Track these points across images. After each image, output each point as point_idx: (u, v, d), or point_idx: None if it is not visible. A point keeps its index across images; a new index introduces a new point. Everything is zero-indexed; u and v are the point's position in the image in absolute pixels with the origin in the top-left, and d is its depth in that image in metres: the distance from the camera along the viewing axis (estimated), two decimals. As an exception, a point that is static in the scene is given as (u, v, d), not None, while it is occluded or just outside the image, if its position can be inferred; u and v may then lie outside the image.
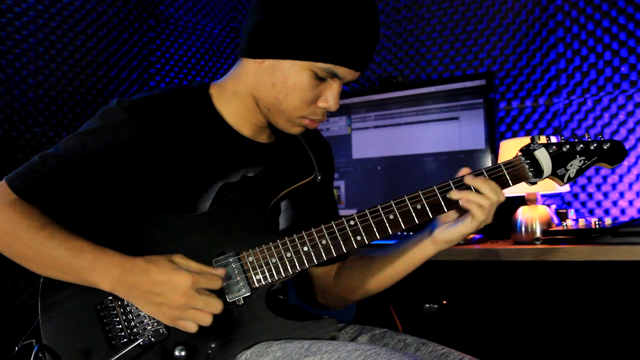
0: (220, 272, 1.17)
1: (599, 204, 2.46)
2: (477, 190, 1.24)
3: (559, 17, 2.57)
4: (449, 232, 1.30)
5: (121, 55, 2.97)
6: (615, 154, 1.34)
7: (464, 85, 2.56)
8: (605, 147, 1.34)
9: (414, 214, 1.25)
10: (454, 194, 1.25)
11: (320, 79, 1.24)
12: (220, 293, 1.19)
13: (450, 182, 1.26)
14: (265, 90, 1.26)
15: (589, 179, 2.48)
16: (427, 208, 1.25)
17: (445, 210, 1.27)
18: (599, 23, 2.48)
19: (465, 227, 1.26)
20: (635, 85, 2.40)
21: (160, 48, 3.17)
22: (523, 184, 1.33)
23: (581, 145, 1.33)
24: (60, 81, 2.71)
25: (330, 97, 1.26)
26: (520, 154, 1.32)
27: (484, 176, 1.27)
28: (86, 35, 2.81)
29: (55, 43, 2.70)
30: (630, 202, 2.39)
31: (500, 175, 1.28)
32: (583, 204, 2.50)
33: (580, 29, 2.52)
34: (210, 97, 1.34)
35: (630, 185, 2.39)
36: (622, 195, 2.41)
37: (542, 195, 2.37)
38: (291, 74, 1.23)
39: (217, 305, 1.14)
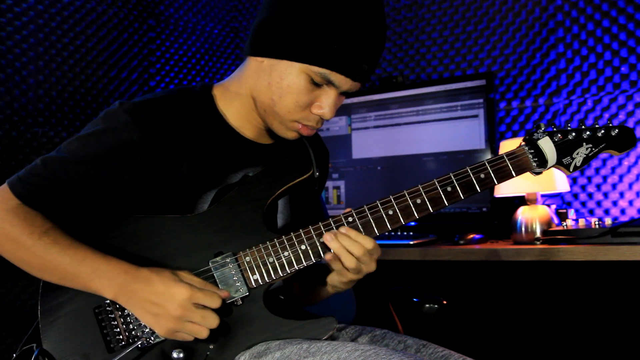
0: (224, 293, 1.16)
1: (599, 204, 2.46)
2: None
3: (559, 17, 2.57)
4: (331, 277, 1.30)
5: (121, 55, 2.97)
6: (624, 140, 1.30)
7: (464, 85, 2.55)
8: (613, 134, 1.29)
9: (413, 208, 1.23)
10: (326, 238, 1.20)
11: (316, 85, 1.22)
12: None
13: (451, 175, 1.24)
14: (262, 90, 1.25)
15: (589, 179, 2.48)
16: (427, 202, 1.23)
17: (446, 204, 1.25)
18: (599, 23, 2.47)
19: (340, 275, 1.26)
20: (635, 85, 2.39)
21: (160, 48, 3.17)
22: (524, 181, 1.31)
23: (588, 132, 1.29)
24: (60, 81, 2.71)
25: (325, 104, 1.24)
26: (523, 143, 1.29)
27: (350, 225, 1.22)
28: (86, 35, 2.81)
29: (55, 43, 2.70)
30: (630, 202, 2.39)
31: (503, 166, 1.25)
32: (583, 204, 2.50)
33: (580, 29, 2.52)
34: (213, 99, 1.33)
35: (630, 185, 2.39)
36: (622, 195, 2.41)
37: (542, 195, 2.36)
38: (287, 75, 1.21)
39: (213, 321, 1.13)
